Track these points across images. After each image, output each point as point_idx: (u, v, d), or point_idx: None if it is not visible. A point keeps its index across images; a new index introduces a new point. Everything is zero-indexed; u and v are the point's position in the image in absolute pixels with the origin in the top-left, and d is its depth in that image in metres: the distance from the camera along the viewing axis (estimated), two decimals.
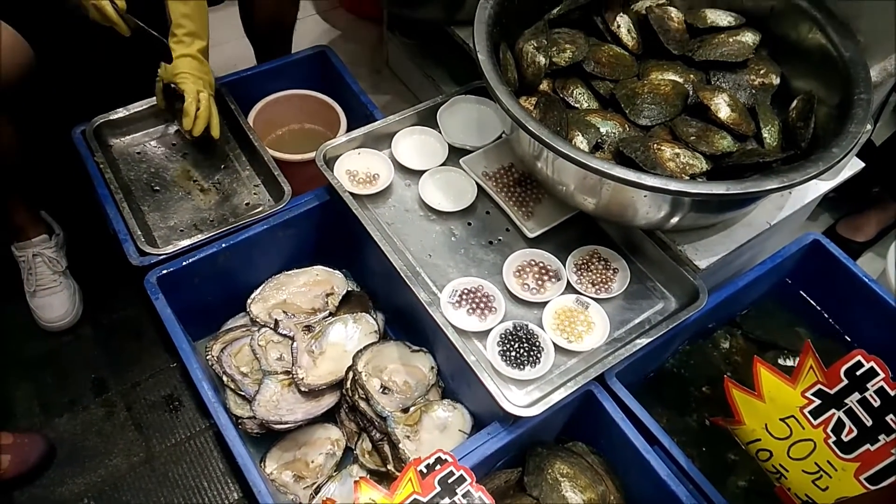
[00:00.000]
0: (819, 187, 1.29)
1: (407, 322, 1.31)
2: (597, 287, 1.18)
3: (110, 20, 1.20)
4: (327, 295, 1.35)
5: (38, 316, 1.46)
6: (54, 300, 1.46)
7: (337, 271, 1.39)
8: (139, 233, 1.22)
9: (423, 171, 1.31)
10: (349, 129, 1.49)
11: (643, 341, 1.10)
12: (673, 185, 0.98)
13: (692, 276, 1.16)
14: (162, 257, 1.21)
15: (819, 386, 0.91)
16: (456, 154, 1.34)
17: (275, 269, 1.37)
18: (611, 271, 1.20)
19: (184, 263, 1.21)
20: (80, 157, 1.33)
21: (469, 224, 1.28)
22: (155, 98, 1.38)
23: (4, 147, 1.29)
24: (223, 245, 1.25)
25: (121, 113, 1.40)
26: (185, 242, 1.24)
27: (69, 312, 1.47)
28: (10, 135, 1.29)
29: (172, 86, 1.31)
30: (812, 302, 1.37)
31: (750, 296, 1.33)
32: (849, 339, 1.33)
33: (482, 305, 1.15)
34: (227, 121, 1.47)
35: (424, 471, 0.85)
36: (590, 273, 1.20)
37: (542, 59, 1.21)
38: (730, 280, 1.26)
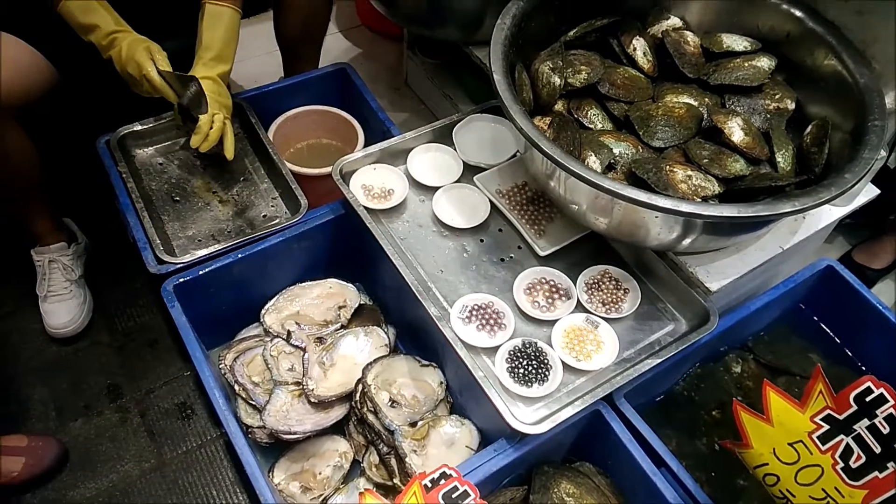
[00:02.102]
0: (833, 213, 1.29)
1: (417, 336, 1.32)
2: (607, 307, 1.19)
3: (158, 89, 1.25)
4: (340, 307, 1.36)
5: (45, 321, 1.49)
6: (62, 307, 1.49)
7: (350, 284, 1.40)
8: (158, 241, 1.25)
9: (438, 188, 1.33)
10: (366, 145, 1.52)
11: (652, 362, 1.10)
12: (684, 207, 0.98)
13: (703, 298, 1.16)
14: (179, 266, 1.23)
15: (828, 411, 0.90)
16: (470, 171, 1.36)
17: (289, 281, 1.39)
18: (621, 291, 1.21)
19: (200, 273, 1.23)
20: (103, 166, 1.36)
21: (481, 241, 1.29)
22: None
23: (22, 158, 1.33)
24: (239, 255, 1.27)
25: (144, 124, 1.44)
26: (203, 252, 1.26)
27: (74, 321, 1.49)
28: (28, 147, 1.33)
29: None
30: (826, 328, 1.36)
31: (762, 320, 1.33)
32: (862, 367, 1.32)
33: (492, 322, 1.15)
34: (248, 134, 1.51)
35: (429, 485, 0.85)
36: (600, 292, 1.20)
37: (557, 80, 1.23)
38: (742, 303, 1.25)
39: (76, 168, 1.58)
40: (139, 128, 1.43)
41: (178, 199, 1.40)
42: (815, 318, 1.37)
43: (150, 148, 1.46)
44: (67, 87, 1.35)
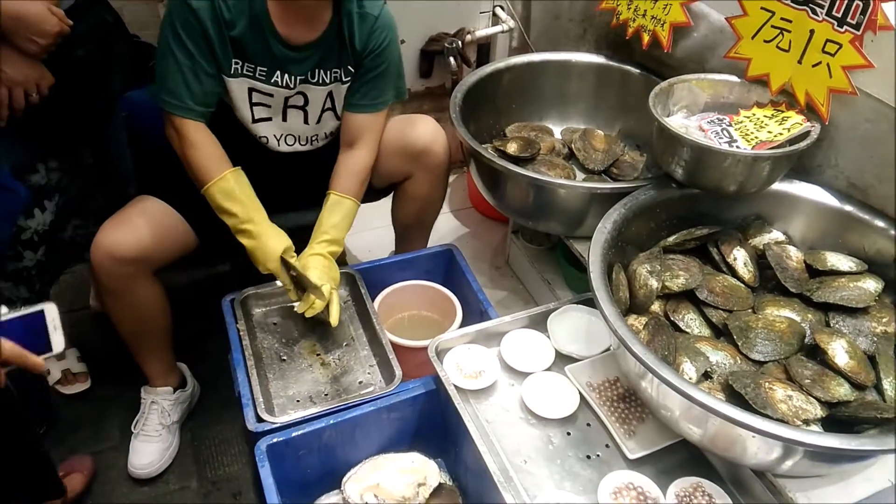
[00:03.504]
0: None
1: None
2: None
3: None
4: (419, 485, 1.35)
5: (129, 457, 1.56)
6: (147, 448, 1.56)
7: (432, 461, 1.40)
8: (261, 399, 1.32)
9: (529, 374, 1.35)
10: (464, 321, 1.58)
11: None
12: (784, 432, 0.95)
13: None
14: (276, 426, 1.29)
15: None
16: (562, 360, 1.37)
17: (374, 450, 1.40)
18: None
19: (293, 434, 1.28)
20: (224, 322, 1.49)
21: (568, 434, 1.27)
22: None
23: (154, 310, 1.49)
24: (331, 421, 1.31)
25: (266, 287, 1.57)
26: (299, 414, 1.32)
27: (153, 464, 1.55)
28: (161, 299, 1.49)
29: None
30: None
31: None
32: None
33: None
34: (356, 303, 1.61)
35: None
36: None
37: (654, 283, 1.26)
38: None
39: (202, 318, 1.72)
40: (263, 290, 1.57)
41: (285, 358, 1.50)
42: None
43: (269, 308, 1.59)
44: (205, 249, 1.52)
